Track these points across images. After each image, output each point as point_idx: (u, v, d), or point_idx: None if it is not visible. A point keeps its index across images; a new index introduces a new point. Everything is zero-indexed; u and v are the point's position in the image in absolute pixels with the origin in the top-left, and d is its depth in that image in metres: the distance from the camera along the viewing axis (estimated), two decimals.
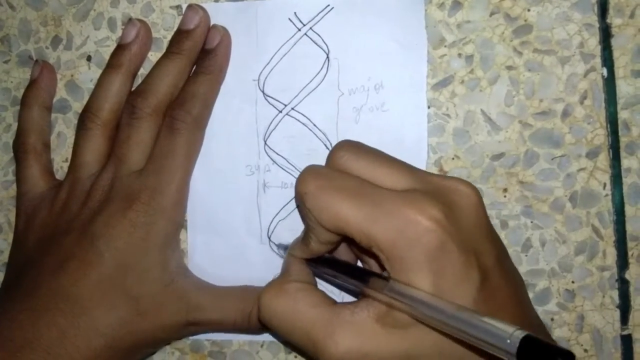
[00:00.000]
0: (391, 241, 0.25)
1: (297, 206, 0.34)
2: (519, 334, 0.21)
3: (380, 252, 0.25)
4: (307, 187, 0.27)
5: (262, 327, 0.33)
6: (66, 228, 0.32)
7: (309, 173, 0.27)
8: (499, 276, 0.26)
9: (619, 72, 0.32)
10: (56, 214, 0.33)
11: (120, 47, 0.35)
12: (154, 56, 0.35)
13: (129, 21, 0.35)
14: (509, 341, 0.21)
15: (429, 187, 0.26)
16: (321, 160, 0.34)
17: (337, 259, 0.31)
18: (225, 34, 0.34)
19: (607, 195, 0.33)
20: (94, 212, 0.32)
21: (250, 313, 0.33)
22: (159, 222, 0.32)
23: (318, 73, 0.34)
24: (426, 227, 0.24)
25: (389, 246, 0.25)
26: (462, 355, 0.25)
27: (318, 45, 0.34)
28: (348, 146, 0.29)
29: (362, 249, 0.28)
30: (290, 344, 0.34)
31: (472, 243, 0.25)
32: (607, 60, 0.32)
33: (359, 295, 0.32)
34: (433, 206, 0.25)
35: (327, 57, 0.34)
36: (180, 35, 0.34)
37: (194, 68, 0.34)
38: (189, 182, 0.34)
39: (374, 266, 0.30)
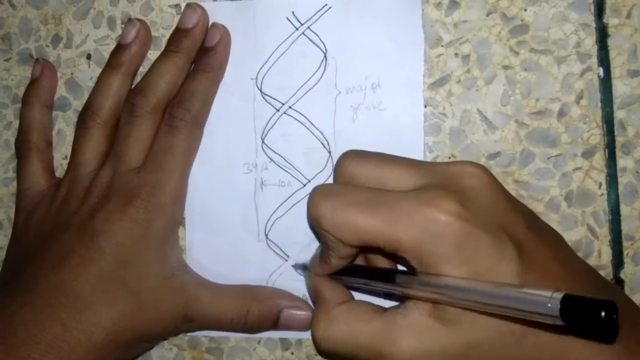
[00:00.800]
0: (416, 241, 0.25)
1: (311, 227, 0.34)
2: (557, 295, 0.20)
3: (406, 253, 0.25)
4: (320, 209, 0.27)
5: (258, 328, 0.34)
6: (65, 224, 0.33)
7: (319, 195, 0.27)
8: (533, 242, 0.26)
9: (615, 72, 0.32)
10: (55, 211, 0.34)
11: (120, 47, 0.35)
12: (153, 55, 0.36)
13: (128, 21, 0.35)
14: (549, 305, 0.20)
15: (438, 179, 0.26)
16: (318, 158, 0.34)
17: (360, 266, 0.31)
18: (225, 32, 0.34)
19: (602, 194, 0.33)
20: (94, 208, 0.33)
21: (247, 312, 0.33)
22: (158, 219, 0.32)
23: (315, 72, 0.35)
24: (446, 221, 0.24)
25: (414, 246, 0.25)
26: (521, 331, 0.25)
27: (315, 45, 0.35)
28: (351, 155, 0.29)
29: (386, 254, 0.28)
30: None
31: (496, 220, 0.26)
32: (604, 60, 0.33)
33: (391, 296, 0.33)
34: (447, 199, 0.25)
35: (325, 56, 0.34)
36: (179, 33, 0.34)
37: (192, 66, 0.35)
38: (187, 179, 0.34)
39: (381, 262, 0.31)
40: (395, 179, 0.27)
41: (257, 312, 0.33)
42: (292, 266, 0.35)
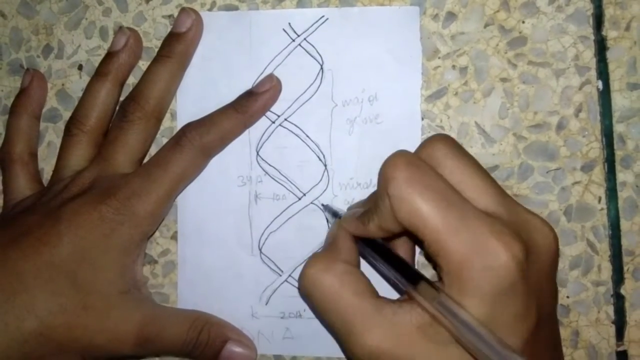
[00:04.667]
0: (463, 260, 0.23)
1: (377, 186, 0.29)
2: None
3: (446, 264, 0.24)
4: (395, 172, 0.24)
5: (203, 352, 0.32)
6: (32, 209, 0.32)
7: (402, 158, 0.25)
8: (550, 322, 0.26)
9: (615, 84, 0.32)
10: (27, 201, 0.33)
11: (109, 55, 0.34)
12: (145, 65, 0.35)
13: (119, 29, 0.35)
14: None
15: (514, 219, 0.25)
16: (313, 171, 0.34)
17: (390, 249, 0.29)
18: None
19: (602, 209, 0.32)
20: (66, 199, 0.32)
21: (200, 331, 0.32)
22: (125, 224, 0.31)
23: (312, 84, 0.34)
24: (505, 262, 0.23)
25: (458, 263, 0.24)
26: None
27: (312, 56, 0.34)
28: (449, 142, 0.27)
29: (423, 249, 0.26)
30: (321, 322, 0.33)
31: (538, 287, 0.25)
32: (603, 72, 0.32)
33: (399, 289, 0.31)
34: (518, 244, 0.24)
35: (321, 68, 0.34)
36: (172, 38, 0.34)
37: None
38: (172, 199, 0.33)
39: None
40: (476, 192, 0.25)
41: (207, 334, 0.32)
42: (322, 205, 0.33)
